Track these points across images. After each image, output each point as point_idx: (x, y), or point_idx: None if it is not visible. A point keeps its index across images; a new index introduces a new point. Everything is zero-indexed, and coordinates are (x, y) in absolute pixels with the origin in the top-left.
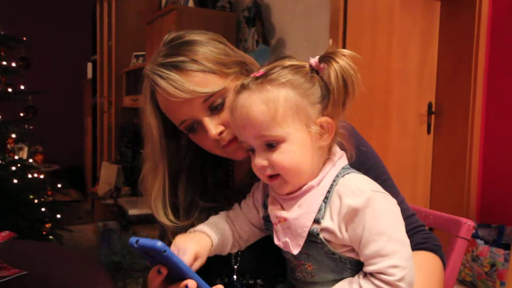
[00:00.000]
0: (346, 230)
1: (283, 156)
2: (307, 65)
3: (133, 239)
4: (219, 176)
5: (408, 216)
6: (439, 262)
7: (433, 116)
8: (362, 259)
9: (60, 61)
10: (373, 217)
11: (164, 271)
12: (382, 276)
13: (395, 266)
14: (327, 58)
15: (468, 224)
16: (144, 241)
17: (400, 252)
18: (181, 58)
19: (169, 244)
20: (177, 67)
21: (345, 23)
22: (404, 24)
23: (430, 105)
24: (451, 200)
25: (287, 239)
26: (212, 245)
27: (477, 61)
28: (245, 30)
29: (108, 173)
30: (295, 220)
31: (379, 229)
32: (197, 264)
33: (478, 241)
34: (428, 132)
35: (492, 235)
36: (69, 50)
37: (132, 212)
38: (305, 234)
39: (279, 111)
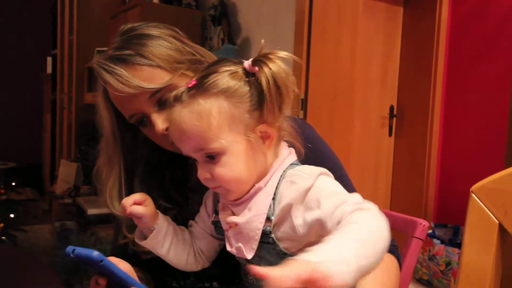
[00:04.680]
0: (300, 214)
1: (224, 169)
2: (240, 70)
3: (69, 248)
4: (176, 174)
5: None
6: (395, 263)
7: (394, 119)
8: (324, 228)
9: (18, 54)
10: (322, 188)
11: (102, 282)
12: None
13: (358, 203)
14: (259, 61)
15: (423, 225)
16: (80, 250)
17: (358, 196)
18: (128, 52)
19: (124, 238)
20: (123, 61)
21: (309, 25)
22: (368, 29)
23: (391, 108)
24: (410, 201)
25: (240, 244)
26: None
27: (436, 65)
28: (210, 29)
29: (67, 172)
30: (246, 224)
31: (331, 190)
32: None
33: (435, 240)
34: (390, 134)
35: (448, 235)
36: (28, 43)
37: (91, 211)
38: (258, 237)
39: (213, 124)
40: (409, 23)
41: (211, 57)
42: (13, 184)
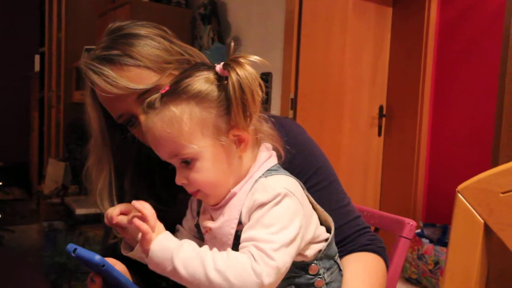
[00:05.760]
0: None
1: (199, 174)
2: (212, 74)
3: (70, 247)
4: (165, 174)
5: (354, 218)
6: (382, 264)
7: (384, 118)
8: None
9: (5, 52)
10: (269, 212)
11: (97, 280)
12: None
13: (262, 250)
14: (228, 65)
15: (410, 224)
16: (82, 252)
17: (280, 251)
18: (115, 52)
19: (113, 238)
20: (111, 61)
21: (299, 24)
22: (357, 29)
23: (381, 108)
24: (399, 200)
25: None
26: None
27: (425, 66)
28: (200, 28)
29: (55, 171)
30: (219, 229)
31: (268, 222)
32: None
33: (424, 240)
34: (379, 134)
35: (436, 234)
36: (15, 40)
37: (80, 211)
38: (230, 242)
39: (185, 130)
40: (398, 24)
41: (200, 56)
42: (0, 183)
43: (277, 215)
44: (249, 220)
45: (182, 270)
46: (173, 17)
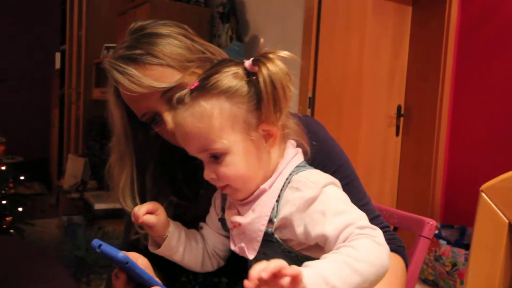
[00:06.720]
0: (302, 223)
1: (228, 169)
2: (241, 70)
3: (95, 242)
4: (187, 170)
5: (373, 217)
6: (402, 263)
7: (402, 118)
8: (328, 245)
9: (27, 49)
10: (328, 202)
11: (122, 276)
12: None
13: (363, 227)
14: (258, 61)
15: (430, 224)
16: (107, 248)
17: (364, 218)
18: (139, 51)
19: (135, 234)
20: (135, 61)
21: (318, 23)
22: (376, 28)
23: (399, 107)
24: (417, 201)
25: (243, 245)
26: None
27: (445, 66)
28: (219, 26)
29: (74, 166)
30: (249, 225)
31: (337, 207)
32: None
33: (441, 241)
34: (397, 134)
35: (454, 236)
36: (37, 38)
37: (99, 206)
38: (260, 238)
39: (215, 125)
40: (417, 23)
41: (221, 54)
42: (22, 178)
43: (335, 198)
44: (302, 220)
45: (340, 285)
46: (192, 16)
